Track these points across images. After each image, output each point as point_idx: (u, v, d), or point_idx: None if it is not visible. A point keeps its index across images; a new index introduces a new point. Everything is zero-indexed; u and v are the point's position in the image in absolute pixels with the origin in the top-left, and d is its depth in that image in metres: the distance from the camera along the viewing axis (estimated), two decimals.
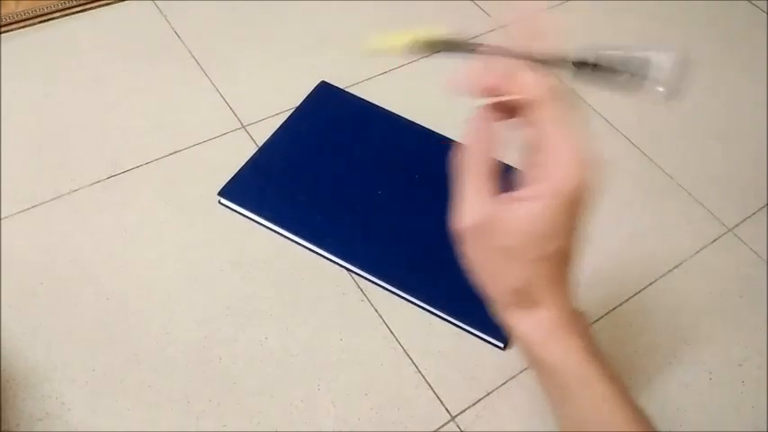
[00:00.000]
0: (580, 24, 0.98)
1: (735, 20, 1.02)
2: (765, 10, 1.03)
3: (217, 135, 0.78)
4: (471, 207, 0.37)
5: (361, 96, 0.82)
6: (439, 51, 0.41)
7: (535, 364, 0.39)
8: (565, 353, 0.38)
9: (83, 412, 0.56)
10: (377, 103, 0.81)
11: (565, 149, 0.36)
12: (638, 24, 0.99)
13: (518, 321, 0.38)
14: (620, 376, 0.39)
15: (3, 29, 0.85)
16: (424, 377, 0.61)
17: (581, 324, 0.39)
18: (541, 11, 0.37)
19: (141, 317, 0.62)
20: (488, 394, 0.60)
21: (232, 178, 0.72)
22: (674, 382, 0.63)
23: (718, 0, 1.04)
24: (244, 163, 0.73)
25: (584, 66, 0.38)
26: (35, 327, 0.61)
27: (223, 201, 0.71)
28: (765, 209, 0.77)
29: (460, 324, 0.64)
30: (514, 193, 0.36)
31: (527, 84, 0.37)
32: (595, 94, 0.87)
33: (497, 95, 0.38)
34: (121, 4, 0.92)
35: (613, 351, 0.64)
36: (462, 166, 0.39)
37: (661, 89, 0.38)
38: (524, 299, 0.37)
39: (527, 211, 0.35)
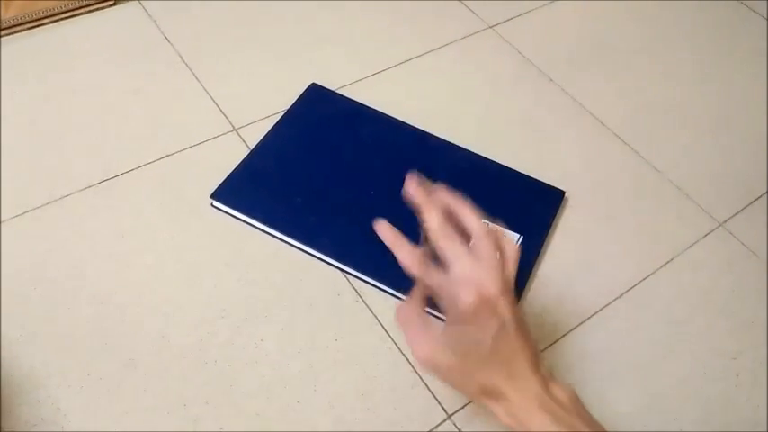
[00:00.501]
0: (568, 26, 0.98)
1: (727, 18, 1.03)
2: (756, 10, 1.04)
3: (208, 138, 0.78)
4: (421, 347, 0.48)
5: (352, 98, 0.82)
6: None
7: None
8: (540, 425, 0.46)
9: (79, 417, 0.56)
10: (368, 105, 0.81)
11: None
12: (627, 25, 1.00)
13: (490, 407, 0.48)
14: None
15: None
16: (419, 376, 0.61)
17: (551, 399, 0.47)
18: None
19: (136, 321, 0.62)
20: None
21: (224, 181, 0.72)
22: (669, 375, 0.63)
23: (706, 0, 1.05)
24: (236, 165, 0.73)
25: None
26: (30, 332, 0.61)
27: (215, 203, 0.71)
28: (756, 203, 0.78)
29: None
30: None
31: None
32: (585, 92, 0.88)
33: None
34: (111, 9, 0.92)
35: (609, 347, 0.65)
36: (405, 320, 0.51)
37: None
38: (489, 395, 0.48)
39: (441, 340, 0.48)
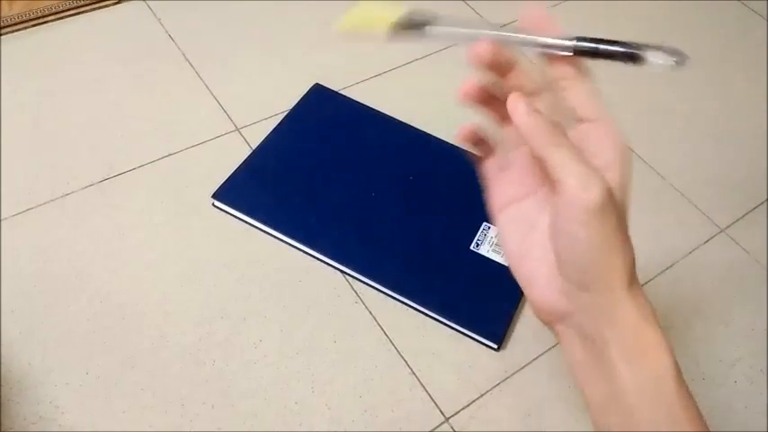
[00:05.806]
0: (573, 28, 0.98)
1: (730, 22, 1.02)
2: (759, 11, 1.04)
3: (211, 137, 0.78)
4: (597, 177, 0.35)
5: (355, 99, 0.82)
6: (416, 29, 0.40)
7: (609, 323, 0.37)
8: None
9: (77, 415, 0.56)
10: (371, 106, 0.81)
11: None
12: (630, 28, 0.99)
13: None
14: None
15: None
16: (418, 378, 0.61)
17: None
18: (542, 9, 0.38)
19: (136, 320, 0.63)
20: (482, 395, 0.61)
21: (226, 181, 0.72)
22: None
23: (714, 1, 1.05)
24: (238, 165, 0.73)
25: (585, 45, 0.37)
26: (30, 329, 0.61)
27: (217, 203, 0.71)
28: (758, 209, 0.78)
29: (454, 325, 0.64)
30: None
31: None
32: None
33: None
34: (115, 6, 0.92)
35: None
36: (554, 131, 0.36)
37: (665, 58, 0.35)
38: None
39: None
